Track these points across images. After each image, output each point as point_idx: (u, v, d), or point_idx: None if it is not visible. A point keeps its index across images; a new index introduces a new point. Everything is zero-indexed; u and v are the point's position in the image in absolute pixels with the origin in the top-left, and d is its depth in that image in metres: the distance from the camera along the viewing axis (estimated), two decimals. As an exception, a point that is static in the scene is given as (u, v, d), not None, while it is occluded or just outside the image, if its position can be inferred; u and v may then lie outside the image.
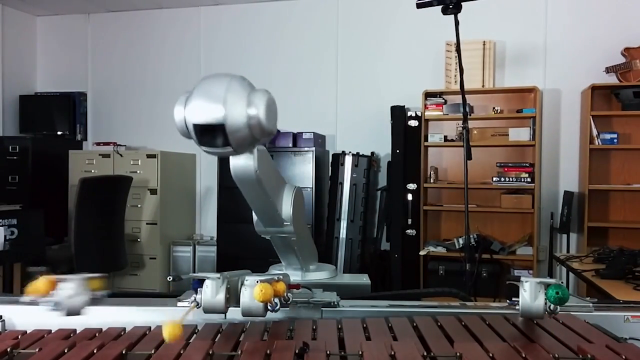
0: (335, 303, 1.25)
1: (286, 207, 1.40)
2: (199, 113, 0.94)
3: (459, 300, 1.48)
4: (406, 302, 1.31)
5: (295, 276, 1.58)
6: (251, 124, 0.94)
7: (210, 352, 0.93)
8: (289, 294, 1.03)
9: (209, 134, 0.95)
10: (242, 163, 1.15)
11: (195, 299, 1.02)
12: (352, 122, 4.64)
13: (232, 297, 1.05)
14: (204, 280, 1.02)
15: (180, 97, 0.99)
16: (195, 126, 0.95)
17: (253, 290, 0.96)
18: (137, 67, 5.16)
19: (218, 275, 1.01)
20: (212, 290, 1.01)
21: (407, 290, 1.58)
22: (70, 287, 1.02)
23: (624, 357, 0.88)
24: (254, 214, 1.43)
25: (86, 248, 3.46)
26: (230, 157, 1.13)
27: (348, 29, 4.68)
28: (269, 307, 0.96)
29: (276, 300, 0.96)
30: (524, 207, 4.03)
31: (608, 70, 4.00)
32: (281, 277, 1.01)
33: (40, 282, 0.99)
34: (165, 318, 1.19)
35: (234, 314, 1.11)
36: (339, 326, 1.10)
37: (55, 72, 5.36)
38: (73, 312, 1.02)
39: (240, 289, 1.02)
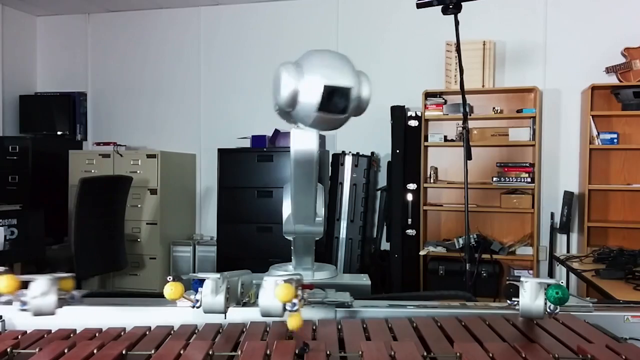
0: (349, 303, 1.24)
1: (319, 205, 1.39)
2: (331, 75, 1.00)
3: (467, 301, 1.48)
4: (406, 302, 1.31)
5: (306, 276, 1.58)
6: (362, 99, 1.05)
7: (210, 352, 0.93)
8: (304, 295, 1.02)
9: (333, 98, 1.00)
10: (305, 140, 1.13)
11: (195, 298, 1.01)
12: (352, 122, 4.59)
13: (232, 297, 1.05)
14: (204, 280, 1.02)
15: (284, 67, 1.02)
16: (326, 86, 0.99)
17: (275, 290, 0.94)
18: (137, 67, 5.16)
19: (218, 275, 1.01)
20: (212, 290, 1.01)
21: (418, 293, 1.58)
22: (39, 287, 1.00)
23: (624, 357, 0.88)
24: (284, 212, 1.41)
25: (86, 248, 3.46)
26: (293, 133, 1.13)
27: (348, 29, 4.68)
28: (287, 308, 0.95)
29: (295, 300, 0.95)
30: (524, 207, 4.03)
31: (608, 70, 4.00)
32: (298, 277, 1.00)
33: (2, 282, 0.97)
34: (163, 318, 1.19)
35: (234, 314, 1.11)
36: (339, 326, 1.10)
37: (55, 72, 5.36)
38: (43, 312, 1.00)
39: (240, 288, 1.02)
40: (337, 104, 1.01)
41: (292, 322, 0.92)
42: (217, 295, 1.00)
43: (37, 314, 1.00)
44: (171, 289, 1.00)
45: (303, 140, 1.13)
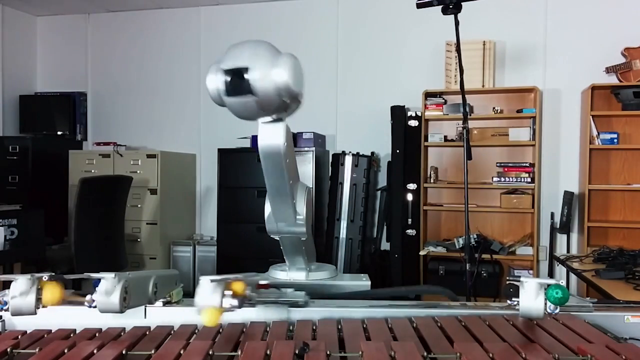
0: (303, 303, 1.24)
1: (300, 204, 1.39)
2: (228, 61, 1.03)
3: (448, 299, 1.48)
4: (406, 302, 1.31)
5: (300, 276, 1.58)
6: (277, 81, 1.02)
7: (210, 352, 0.93)
8: (252, 294, 1.01)
9: (234, 81, 1.03)
10: (270, 133, 1.16)
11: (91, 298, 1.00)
12: (352, 122, 4.64)
13: (135, 297, 1.04)
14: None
15: (211, 66, 1.07)
16: (223, 72, 1.03)
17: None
18: (137, 67, 5.16)
19: (113, 274, 1.00)
20: (106, 291, 0.99)
21: (394, 288, 1.57)
22: (19, 287, 1.00)
23: (624, 357, 0.88)
24: (266, 210, 1.41)
25: (86, 248, 3.46)
26: (259, 127, 1.15)
27: (348, 29, 4.68)
28: (225, 305, 0.94)
29: (234, 301, 0.94)
30: (524, 207, 4.03)
31: (608, 70, 4.00)
32: (241, 276, 1.00)
33: None
34: (163, 318, 1.19)
35: (234, 314, 1.11)
36: (339, 326, 1.10)
37: (55, 72, 5.36)
38: (22, 312, 1.00)
39: (153, 288, 1.00)
40: (238, 86, 1.03)
41: (208, 317, 0.89)
42: (111, 295, 0.99)
43: (16, 313, 1.00)
44: (49, 294, 0.98)
45: (269, 134, 1.16)
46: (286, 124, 1.18)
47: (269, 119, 1.14)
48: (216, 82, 1.05)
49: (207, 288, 0.95)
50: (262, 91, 1.03)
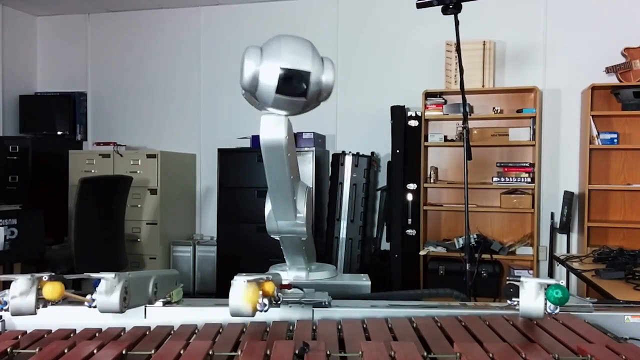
0: (327, 303, 1.24)
1: (301, 203, 1.39)
2: (289, 59, 1.03)
3: (458, 300, 1.48)
4: (406, 302, 1.31)
5: (300, 276, 1.58)
6: (324, 83, 1.07)
7: (210, 352, 0.93)
8: (279, 294, 1.02)
9: (291, 82, 1.04)
10: (273, 127, 1.17)
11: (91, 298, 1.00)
12: (352, 122, 4.64)
13: (135, 297, 1.04)
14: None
15: (247, 51, 1.07)
16: (283, 70, 1.03)
17: (242, 291, 0.94)
18: (137, 67, 5.16)
19: (113, 274, 1.00)
20: (106, 290, 0.99)
21: (406, 291, 1.57)
22: (19, 287, 1.00)
23: (624, 357, 0.88)
24: (266, 209, 1.41)
25: (86, 248, 3.46)
26: (262, 120, 1.16)
27: (348, 29, 4.68)
28: (258, 308, 0.94)
29: (265, 300, 0.94)
30: (524, 207, 4.03)
31: (608, 70, 3.99)
32: (271, 276, 1.00)
33: None
34: (163, 318, 1.19)
35: (260, 314, 1.11)
36: (339, 326, 1.10)
37: (55, 72, 5.36)
38: (22, 312, 1.00)
39: (153, 288, 1.00)
40: (294, 87, 1.04)
41: (49, 289, 0.88)
42: (111, 294, 0.99)
43: (15, 313, 1.00)
44: (49, 289, 0.98)
45: (271, 127, 1.16)
46: (288, 119, 1.18)
47: (275, 113, 1.15)
48: (259, 73, 1.04)
49: (241, 288, 0.94)
50: (312, 93, 1.06)
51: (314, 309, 1.23)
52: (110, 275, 0.99)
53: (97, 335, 1.08)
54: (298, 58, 1.04)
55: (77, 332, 1.09)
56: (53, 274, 1.03)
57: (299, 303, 1.23)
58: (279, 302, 1.02)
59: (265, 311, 0.95)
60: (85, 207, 3.43)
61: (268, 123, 1.16)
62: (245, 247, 4.18)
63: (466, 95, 2.90)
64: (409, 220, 4.08)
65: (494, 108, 4.18)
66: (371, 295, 1.56)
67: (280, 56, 1.04)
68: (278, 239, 1.48)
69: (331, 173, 4.23)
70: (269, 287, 0.98)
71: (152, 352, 0.95)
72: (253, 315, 0.95)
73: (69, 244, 3.81)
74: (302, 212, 1.38)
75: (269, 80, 1.04)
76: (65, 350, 0.95)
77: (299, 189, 1.40)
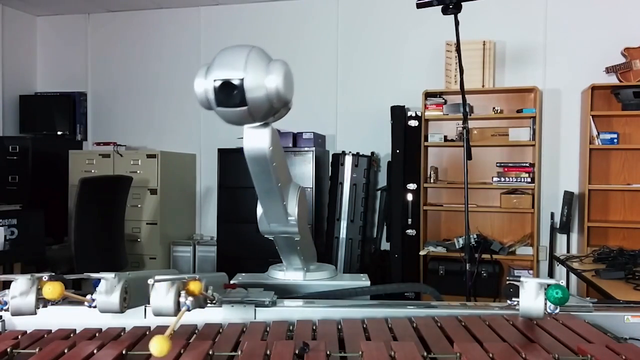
0: (269, 302, 1.24)
1: (292, 205, 1.39)
2: (220, 70, 1.00)
3: (432, 297, 1.48)
4: (406, 302, 1.30)
5: (297, 276, 1.58)
6: (269, 88, 1.00)
7: (210, 352, 0.93)
8: (214, 294, 1.00)
9: (227, 92, 1.00)
10: (256, 137, 1.17)
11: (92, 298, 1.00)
12: (352, 122, 4.64)
13: (132, 297, 1.04)
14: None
15: (199, 69, 1.05)
16: (216, 82, 1.00)
17: (160, 292, 0.93)
18: (136, 67, 5.16)
19: (113, 274, 1.00)
20: (106, 290, 0.99)
21: (377, 286, 1.56)
22: (19, 287, 1.00)
23: (624, 357, 0.88)
24: (258, 210, 1.41)
25: (86, 248, 3.46)
26: (245, 131, 1.15)
27: (348, 29, 4.68)
28: (181, 307, 0.93)
29: (188, 300, 0.93)
30: (524, 207, 4.03)
31: (608, 70, 3.99)
32: (196, 276, 0.98)
33: None
34: (163, 319, 1.19)
35: (234, 314, 1.11)
36: (339, 326, 1.10)
37: (55, 72, 5.36)
38: (22, 312, 1.00)
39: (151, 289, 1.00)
40: (230, 97, 1.01)
41: (157, 346, 0.79)
42: (111, 295, 0.99)
43: (15, 313, 1.00)
44: (49, 289, 0.98)
45: (254, 138, 1.16)
46: (272, 128, 1.17)
47: (256, 124, 1.13)
48: (205, 89, 1.02)
49: (161, 289, 0.93)
50: (254, 100, 1.01)
51: (256, 308, 1.22)
52: (110, 275, 0.99)
53: (97, 335, 1.08)
54: (229, 67, 1.01)
55: (77, 332, 1.09)
56: (53, 274, 1.03)
57: (240, 303, 1.23)
58: (215, 302, 1.00)
59: (190, 310, 0.93)
60: (85, 207, 3.43)
61: (250, 134, 1.16)
62: (245, 247, 4.18)
63: (466, 95, 2.90)
64: (409, 220, 4.08)
65: (494, 108, 4.18)
66: (335, 292, 1.53)
67: (213, 68, 1.02)
68: (272, 238, 1.48)
69: (331, 173, 4.23)
70: (194, 286, 0.96)
71: (152, 352, 0.95)
72: (175, 315, 0.93)
73: (69, 244, 3.81)
74: (294, 215, 1.38)
75: (211, 95, 1.02)
76: (65, 350, 0.95)
77: (289, 192, 1.39)
